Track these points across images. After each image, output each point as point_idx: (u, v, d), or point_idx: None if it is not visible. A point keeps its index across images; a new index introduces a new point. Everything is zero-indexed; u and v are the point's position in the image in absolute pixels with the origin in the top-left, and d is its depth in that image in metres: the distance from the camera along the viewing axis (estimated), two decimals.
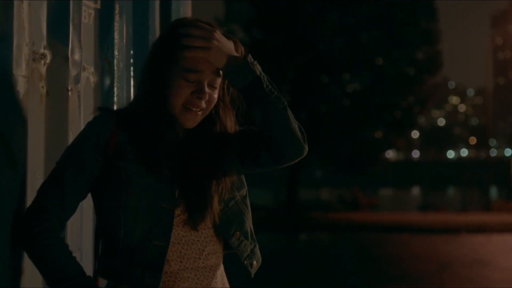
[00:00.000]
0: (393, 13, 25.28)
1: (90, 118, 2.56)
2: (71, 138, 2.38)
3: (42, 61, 2.29)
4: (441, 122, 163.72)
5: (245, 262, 2.08)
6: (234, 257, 2.11)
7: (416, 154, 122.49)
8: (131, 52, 2.94)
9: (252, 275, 2.12)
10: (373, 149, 26.96)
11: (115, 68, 2.72)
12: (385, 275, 11.47)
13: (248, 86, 1.98)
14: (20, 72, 2.07)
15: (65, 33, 2.40)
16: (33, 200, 1.98)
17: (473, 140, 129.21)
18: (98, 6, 2.68)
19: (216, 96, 2.02)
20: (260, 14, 25.23)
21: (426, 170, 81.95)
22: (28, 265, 2.14)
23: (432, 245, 16.03)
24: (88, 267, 2.55)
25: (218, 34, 1.97)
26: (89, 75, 2.61)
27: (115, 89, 2.70)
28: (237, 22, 26.21)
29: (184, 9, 3.49)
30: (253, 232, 2.13)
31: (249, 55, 2.01)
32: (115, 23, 2.73)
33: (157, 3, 3.19)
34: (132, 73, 2.93)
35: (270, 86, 2.00)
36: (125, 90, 2.84)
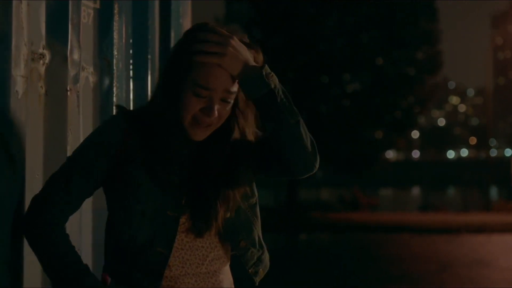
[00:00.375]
0: (393, 13, 25.28)
1: (89, 118, 2.57)
2: (70, 138, 2.38)
3: (41, 61, 2.28)
4: (441, 122, 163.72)
5: (250, 270, 2.07)
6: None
7: (416, 154, 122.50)
8: (131, 52, 2.93)
9: (257, 283, 2.10)
10: (373, 149, 26.95)
11: (114, 68, 2.71)
12: (385, 275, 11.46)
13: (261, 98, 1.92)
14: (19, 72, 2.06)
15: (64, 33, 2.39)
16: (41, 189, 1.99)
17: (473, 140, 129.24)
18: (97, 6, 2.67)
19: (228, 109, 1.96)
20: (260, 14, 25.22)
21: (426, 170, 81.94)
22: (28, 265, 2.13)
23: (432, 245, 16.02)
24: None
25: (235, 41, 1.92)
26: (88, 75, 2.60)
27: (114, 89, 2.69)
28: (237, 22, 26.20)
29: (184, 9, 3.49)
30: (261, 239, 2.10)
31: (266, 66, 1.94)
32: (114, 23, 2.73)
33: (157, 3, 3.19)
34: (131, 73, 2.93)
35: (284, 100, 1.93)
36: (124, 90, 2.83)
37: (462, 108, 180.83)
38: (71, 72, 2.41)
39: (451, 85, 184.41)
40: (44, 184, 2.00)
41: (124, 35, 2.84)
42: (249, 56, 1.94)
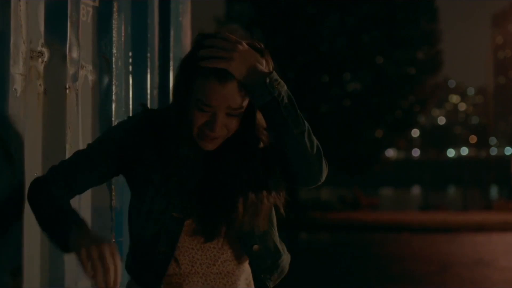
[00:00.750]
0: (393, 13, 25.28)
1: (88, 116, 2.56)
2: (68, 137, 2.37)
3: (40, 59, 2.27)
4: (442, 121, 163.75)
5: (262, 275, 2.06)
6: None
7: (416, 153, 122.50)
8: (130, 50, 2.92)
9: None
10: (373, 148, 26.94)
11: (114, 66, 2.70)
12: (385, 275, 11.46)
13: (264, 106, 1.89)
14: (18, 70, 2.05)
15: (63, 31, 2.38)
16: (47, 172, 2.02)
17: (473, 139, 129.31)
18: (96, 4, 2.66)
19: (236, 122, 1.92)
20: (261, 14, 25.23)
21: (426, 169, 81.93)
22: (27, 264, 2.13)
23: (433, 245, 16.02)
24: None
25: (243, 47, 1.89)
26: (87, 73, 2.59)
27: (114, 87, 2.68)
28: (238, 22, 26.20)
29: (184, 7, 3.48)
30: (277, 244, 2.08)
31: (273, 73, 1.91)
32: (114, 21, 2.72)
33: (156, 2, 3.18)
34: (130, 72, 2.92)
35: (289, 108, 1.89)
36: (123, 89, 2.82)
37: (462, 107, 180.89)
38: (70, 70, 2.40)
39: (452, 83, 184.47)
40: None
41: (123, 34, 2.83)
42: (258, 62, 1.91)
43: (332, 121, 25.54)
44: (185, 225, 1.97)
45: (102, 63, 2.67)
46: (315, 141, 1.94)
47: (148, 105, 2.93)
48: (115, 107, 2.68)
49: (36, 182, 1.97)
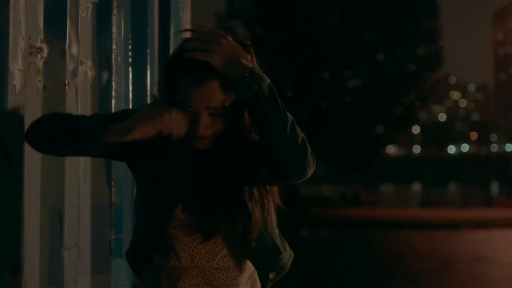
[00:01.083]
0: (394, 10, 25.27)
1: (88, 112, 2.55)
2: None
3: (39, 55, 2.26)
4: (442, 117, 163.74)
5: (259, 272, 2.06)
6: None
7: (417, 149, 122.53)
8: (130, 46, 2.91)
9: (267, 286, 2.09)
10: (374, 145, 26.94)
11: (113, 62, 2.69)
12: (385, 271, 11.46)
13: (246, 101, 1.88)
14: (17, 66, 2.04)
15: (62, 27, 2.37)
16: None
17: (474, 135, 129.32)
18: (96, 0, 2.65)
19: (221, 121, 1.94)
20: (261, 11, 25.22)
21: (427, 166, 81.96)
22: (27, 261, 2.12)
23: (433, 241, 16.02)
24: (86, 263, 2.54)
25: (227, 41, 1.90)
26: (87, 69, 2.58)
27: (113, 83, 2.67)
28: (238, 19, 26.20)
29: (184, 4, 3.47)
30: (276, 242, 2.08)
31: (255, 67, 1.90)
32: (113, 17, 2.70)
33: None
34: (130, 68, 2.91)
35: (271, 102, 1.88)
36: (123, 85, 2.81)
37: (463, 103, 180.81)
38: (70, 66, 2.39)
39: (452, 80, 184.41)
40: None
41: (123, 30, 2.82)
42: (241, 56, 1.91)
43: (333, 118, 25.53)
44: (183, 220, 1.98)
45: (102, 59, 2.66)
46: (300, 135, 1.92)
47: (148, 102, 2.92)
48: (115, 103, 2.67)
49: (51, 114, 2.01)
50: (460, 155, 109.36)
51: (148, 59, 3.00)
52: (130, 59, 2.91)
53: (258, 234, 2.02)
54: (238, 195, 1.97)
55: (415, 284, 10.17)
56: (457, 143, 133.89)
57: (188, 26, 3.46)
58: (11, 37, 2.02)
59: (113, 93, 2.68)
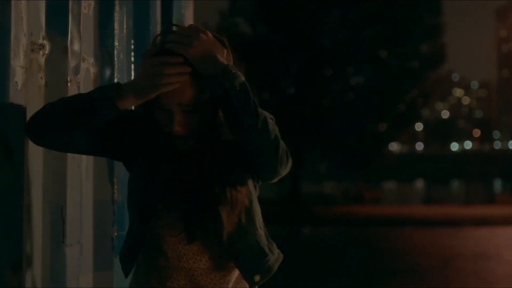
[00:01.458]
0: (396, 7, 25.23)
1: None
2: None
3: (41, 52, 2.25)
4: (445, 114, 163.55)
5: (243, 275, 2.04)
6: None
7: (420, 146, 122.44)
8: (132, 43, 2.91)
9: None
10: (377, 142, 26.93)
11: (115, 59, 2.68)
12: (388, 269, 11.45)
13: (218, 97, 1.89)
14: (18, 62, 2.03)
15: (64, 24, 2.36)
16: None
17: (477, 132, 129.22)
18: None
19: (197, 119, 1.94)
20: (264, 9, 25.21)
21: (429, 163, 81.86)
22: (28, 259, 2.11)
23: (436, 239, 16.01)
24: (88, 261, 2.53)
25: (206, 36, 1.90)
26: (89, 66, 2.58)
27: (115, 80, 2.66)
28: (241, 16, 26.20)
29: (186, 2, 3.45)
30: (260, 244, 2.06)
31: (229, 65, 1.90)
32: (115, 14, 2.70)
33: None
34: (132, 65, 2.90)
35: (242, 100, 1.87)
36: (125, 82, 2.80)
37: (466, 100, 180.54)
38: (72, 63, 2.38)
39: (455, 77, 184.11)
40: None
41: (125, 26, 2.81)
42: (218, 54, 1.91)
43: (335, 115, 25.53)
44: (167, 220, 2.00)
45: (104, 56, 2.65)
46: (273, 133, 1.90)
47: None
48: None
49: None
50: (463, 152, 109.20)
51: None
52: (132, 56, 2.91)
53: (241, 236, 2.01)
54: (208, 196, 1.97)
55: (418, 281, 10.17)
56: (460, 141, 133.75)
57: (191, 23, 3.45)
58: (12, 33, 2.01)
59: None
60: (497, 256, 12.79)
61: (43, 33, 2.26)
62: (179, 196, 2.00)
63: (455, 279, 10.32)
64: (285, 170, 1.96)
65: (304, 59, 24.95)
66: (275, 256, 2.10)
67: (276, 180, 2.00)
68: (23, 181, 2.05)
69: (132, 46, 2.92)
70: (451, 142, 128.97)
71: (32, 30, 2.18)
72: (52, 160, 2.26)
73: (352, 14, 25.56)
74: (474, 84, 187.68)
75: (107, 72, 2.66)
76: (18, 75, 2.03)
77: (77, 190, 2.41)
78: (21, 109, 2.05)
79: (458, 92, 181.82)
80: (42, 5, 2.27)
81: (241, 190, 2.01)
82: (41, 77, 2.26)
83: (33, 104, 2.16)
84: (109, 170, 2.64)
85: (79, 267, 2.41)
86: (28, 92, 2.12)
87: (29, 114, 2.08)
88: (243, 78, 1.90)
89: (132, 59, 2.90)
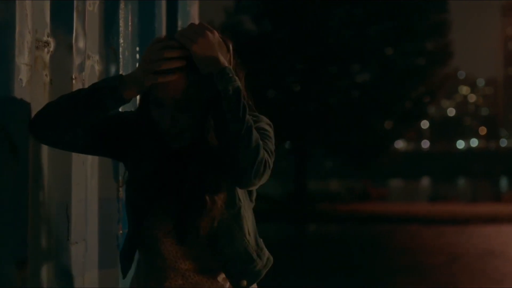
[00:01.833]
0: (402, 4, 25.17)
1: None
2: None
3: (46, 49, 2.24)
4: (451, 112, 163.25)
5: (231, 281, 2.04)
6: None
7: (426, 144, 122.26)
8: (137, 40, 2.90)
9: None
10: (382, 140, 26.88)
11: (120, 56, 2.68)
12: (394, 266, 11.44)
13: (210, 99, 1.91)
14: (23, 60, 2.03)
15: (69, 21, 2.35)
16: None
17: (483, 130, 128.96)
18: None
19: (191, 118, 1.94)
20: (269, 6, 25.19)
21: (436, 161, 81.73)
22: (34, 257, 2.11)
23: (442, 236, 15.99)
24: (93, 258, 2.53)
25: (212, 35, 1.92)
26: (94, 64, 2.57)
27: None
28: (247, 14, 26.18)
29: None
30: (248, 250, 2.04)
31: (227, 68, 1.90)
32: (120, 11, 2.69)
33: None
34: (137, 62, 2.90)
35: (232, 105, 1.87)
36: None
37: (472, 98, 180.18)
38: (76, 60, 2.38)
39: (461, 75, 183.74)
40: None
41: (130, 23, 2.81)
42: (221, 54, 1.92)
43: (341, 112, 25.49)
44: (163, 222, 2.01)
45: (109, 53, 2.65)
46: (255, 143, 1.88)
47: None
48: None
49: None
50: (469, 150, 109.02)
51: None
52: (137, 53, 2.90)
53: (228, 242, 2.01)
54: (193, 200, 1.98)
55: (424, 279, 10.15)
56: (466, 138, 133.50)
57: (196, 21, 3.45)
58: (17, 30, 2.00)
59: None
60: (504, 254, 12.76)
61: (48, 30, 2.26)
62: (172, 196, 2.01)
63: (461, 276, 10.30)
64: (259, 182, 1.93)
65: (309, 56, 24.92)
66: (263, 262, 2.09)
67: (250, 188, 1.98)
68: (28, 178, 2.05)
69: (137, 44, 2.91)
70: (457, 140, 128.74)
71: (37, 27, 2.17)
72: (57, 157, 2.26)
73: (357, 11, 25.51)
74: (480, 82, 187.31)
75: (112, 70, 2.65)
76: (22, 72, 2.02)
77: (82, 187, 2.41)
78: (26, 107, 2.05)
79: (464, 89, 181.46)
80: (47, 2, 2.26)
81: (221, 196, 2.01)
82: (46, 75, 2.26)
83: (38, 101, 2.15)
84: (114, 167, 2.63)
85: (84, 265, 2.41)
86: (33, 89, 2.11)
87: (33, 112, 2.07)
88: (238, 83, 1.90)
89: (137, 56, 2.90)
